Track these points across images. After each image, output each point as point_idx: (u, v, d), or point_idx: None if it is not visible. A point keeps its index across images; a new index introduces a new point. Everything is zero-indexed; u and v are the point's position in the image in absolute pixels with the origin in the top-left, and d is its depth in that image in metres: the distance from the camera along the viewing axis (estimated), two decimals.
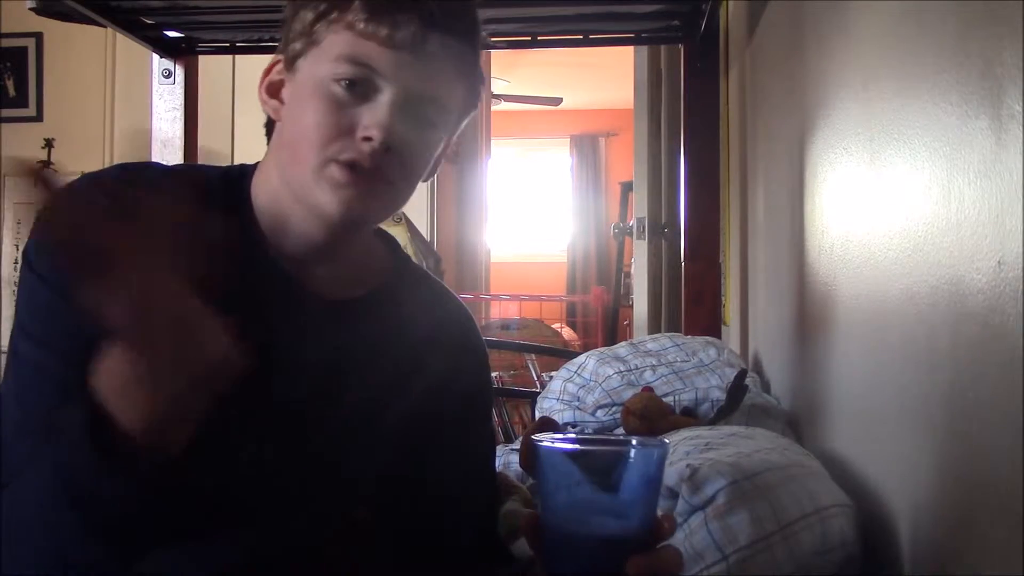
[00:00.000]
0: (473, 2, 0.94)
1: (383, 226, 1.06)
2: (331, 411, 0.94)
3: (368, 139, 0.87)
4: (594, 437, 0.81)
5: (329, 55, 0.89)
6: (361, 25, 0.87)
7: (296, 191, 0.91)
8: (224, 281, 0.90)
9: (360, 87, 0.88)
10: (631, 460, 0.71)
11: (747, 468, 0.99)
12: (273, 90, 0.96)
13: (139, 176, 0.92)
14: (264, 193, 0.95)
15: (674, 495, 1.00)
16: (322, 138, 0.88)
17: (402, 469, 0.99)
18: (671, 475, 1.01)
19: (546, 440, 0.72)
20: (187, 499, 0.86)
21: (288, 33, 0.93)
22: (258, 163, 0.99)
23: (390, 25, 0.87)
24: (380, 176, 0.89)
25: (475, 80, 0.96)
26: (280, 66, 0.95)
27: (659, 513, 0.74)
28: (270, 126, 0.98)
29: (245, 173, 0.98)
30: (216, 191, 0.95)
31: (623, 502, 0.71)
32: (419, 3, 0.88)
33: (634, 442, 0.73)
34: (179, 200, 0.90)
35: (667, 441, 0.74)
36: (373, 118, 0.87)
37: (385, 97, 0.88)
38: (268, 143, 0.98)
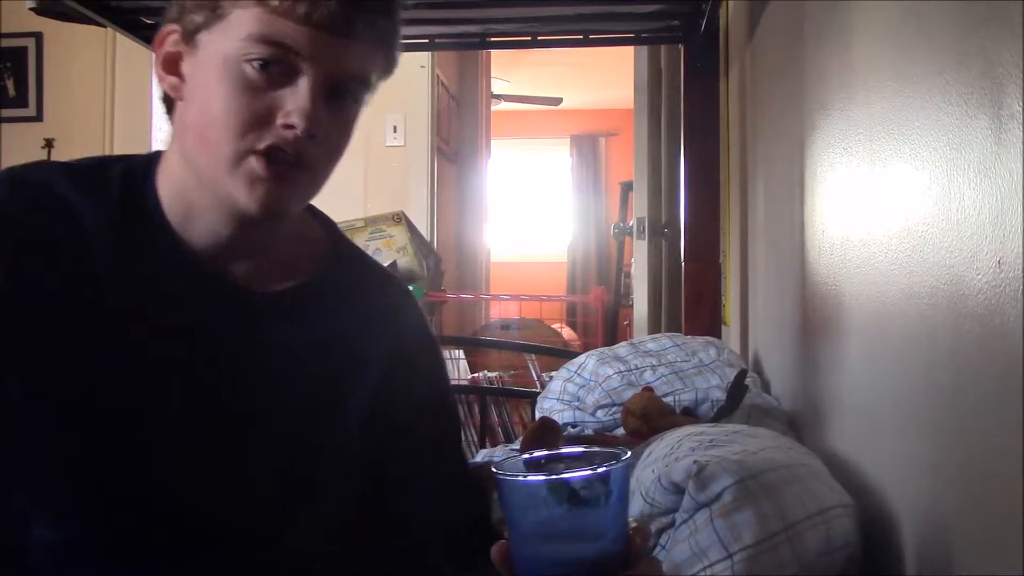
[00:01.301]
0: None
1: (384, 226, 1.05)
2: (264, 413, 0.89)
3: (290, 127, 0.81)
4: (553, 452, 0.74)
5: (238, 32, 0.81)
6: (275, 2, 0.80)
7: (207, 182, 0.84)
8: (116, 277, 0.84)
9: (276, 68, 0.81)
10: (599, 478, 0.67)
11: (753, 467, 0.99)
12: (170, 64, 0.87)
13: (26, 178, 0.86)
14: (170, 182, 0.88)
15: (679, 491, 1.00)
16: (237, 126, 0.81)
17: (367, 470, 0.94)
18: (678, 471, 1.00)
19: (507, 467, 0.69)
20: (115, 518, 0.83)
21: (183, 1, 0.85)
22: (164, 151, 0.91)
23: (308, 2, 0.80)
24: (302, 165, 0.83)
25: (394, 46, 0.89)
26: (175, 37, 0.86)
27: (632, 524, 0.71)
28: (169, 103, 0.89)
29: (152, 162, 0.90)
30: (112, 184, 0.88)
31: (595, 522, 0.68)
32: None
33: (597, 459, 0.69)
34: (65, 199, 0.85)
35: (628, 452, 0.71)
36: (295, 103, 0.81)
37: (306, 80, 0.81)
38: (171, 123, 0.90)
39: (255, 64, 0.81)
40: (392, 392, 0.96)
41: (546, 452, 0.74)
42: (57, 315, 0.83)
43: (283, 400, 0.90)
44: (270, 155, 0.81)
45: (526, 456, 0.73)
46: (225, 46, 0.82)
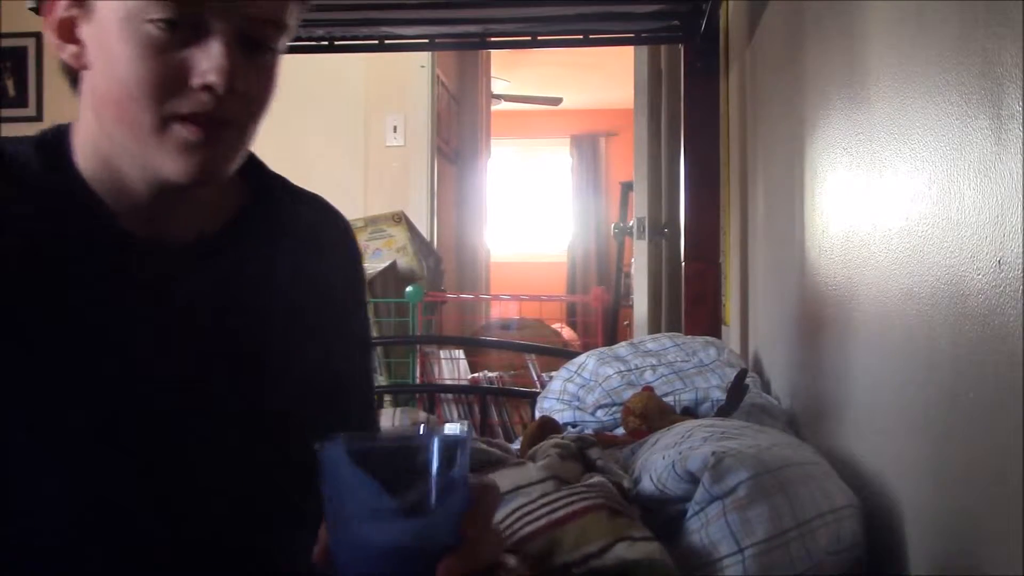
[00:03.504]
0: None
1: (384, 226, 1.05)
2: (222, 372, 0.85)
3: (208, 87, 0.76)
4: (393, 436, 0.69)
5: None
6: None
7: (133, 155, 0.80)
8: (46, 257, 0.80)
9: (183, 26, 0.75)
10: (424, 455, 0.61)
11: (769, 462, 0.99)
12: (66, 31, 0.80)
13: None
14: (92, 156, 0.83)
15: (694, 480, 1.00)
16: (151, 93, 0.76)
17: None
18: (695, 460, 1.00)
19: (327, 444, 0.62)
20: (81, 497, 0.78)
21: None
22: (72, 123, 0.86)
23: None
24: (229, 124, 0.79)
25: None
26: (66, 1, 0.79)
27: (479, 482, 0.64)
28: (72, 75, 0.83)
29: (63, 134, 0.85)
30: (27, 161, 0.83)
31: (421, 504, 0.61)
32: None
33: (424, 433, 0.65)
34: None
35: (465, 431, 0.67)
36: (209, 62, 0.75)
37: (216, 36, 0.76)
38: (77, 95, 0.84)
39: (159, 24, 0.75)
40: (327, 298, 0.93)
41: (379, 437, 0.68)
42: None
43: (240, 345, 0.87)
44: (195, 120, 0.77)
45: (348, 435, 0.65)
46: (123, 5, 0.76)
